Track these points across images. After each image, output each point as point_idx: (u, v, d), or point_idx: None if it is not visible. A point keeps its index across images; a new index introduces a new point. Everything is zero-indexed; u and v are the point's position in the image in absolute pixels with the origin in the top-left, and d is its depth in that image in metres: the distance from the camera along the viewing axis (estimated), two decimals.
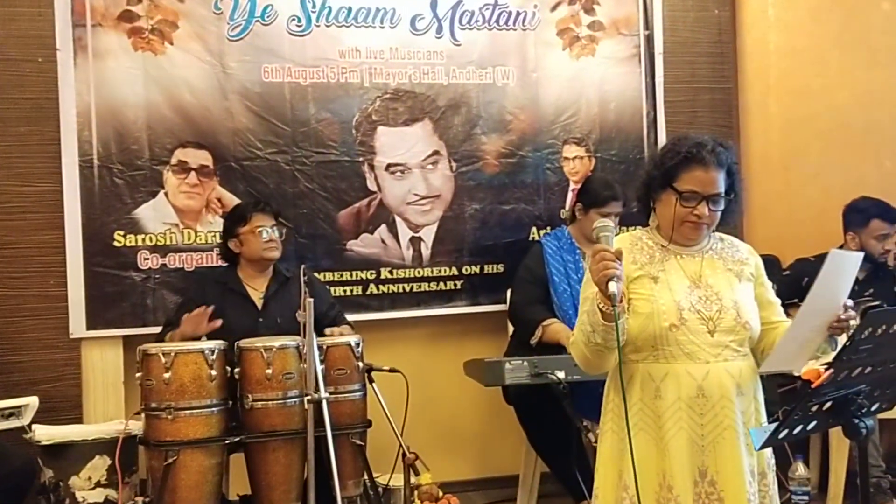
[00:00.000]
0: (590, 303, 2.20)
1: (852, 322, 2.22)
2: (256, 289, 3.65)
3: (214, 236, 3.94)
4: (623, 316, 2.22)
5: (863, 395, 2.10)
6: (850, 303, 2.22)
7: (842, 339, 2.37)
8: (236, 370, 3.29)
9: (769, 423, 2.36)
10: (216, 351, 3.24)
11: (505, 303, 4.16)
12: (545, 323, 3.72)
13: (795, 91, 4.75)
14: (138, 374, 3.24)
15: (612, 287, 2.10)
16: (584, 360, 2.30)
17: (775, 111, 4.82)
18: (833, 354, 2.17)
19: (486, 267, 4.35)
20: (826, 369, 2.04)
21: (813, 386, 2.05)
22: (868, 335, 2.01)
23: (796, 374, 3.55)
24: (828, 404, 2.08)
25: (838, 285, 2.21)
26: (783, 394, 3.69)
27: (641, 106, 4.59)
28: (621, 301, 2.14)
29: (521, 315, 3.87)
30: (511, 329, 4.07)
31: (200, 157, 3.97)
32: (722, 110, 4.78)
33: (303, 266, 3.29)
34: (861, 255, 2.34)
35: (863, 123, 4.50)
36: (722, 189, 2.34)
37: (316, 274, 3.97)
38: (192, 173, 3.96)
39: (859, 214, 4.11)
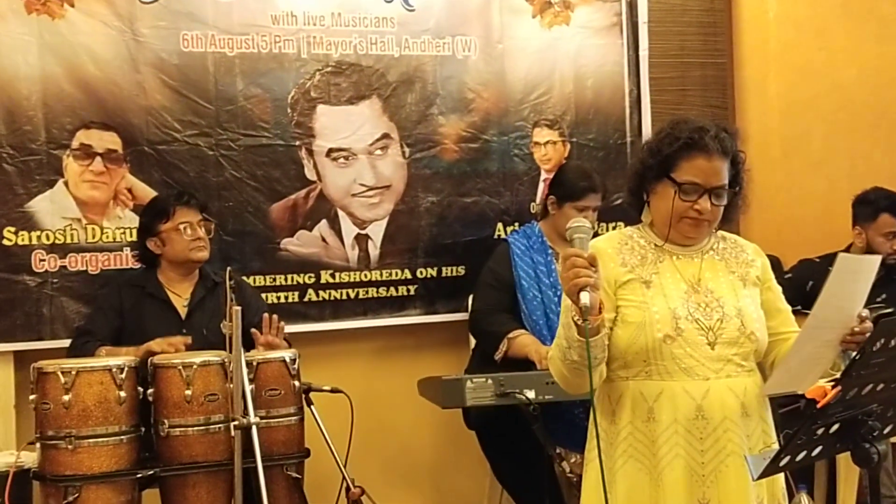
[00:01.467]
0: (565, 315, 2.20)
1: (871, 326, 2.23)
2: (180, 295, 3.62)
3: (124, 233, 3.89)
4: (603, 330, 2.22)
5: (874, 417, 2.11)
6: (865, 313, 2.23)
7: None
8: (150, 391, 3.24)
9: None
10: (126, 368, 3.18)
11: (466, 311, 4.15)
12: (511, 335, 3.72)
13: (797, 67, 4.81)
14: (32, 397, 3.17)
15: (585, 298, 2.09)
16: (563, 379, 2.30)
17: (775, 91, 4.87)
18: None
19: (444, 269, 4.33)
20: (833, 386, 2.05)
21: (818, 406, 2.06)
22: (881, 347, 2.02)
23: (801, 392, 3.61)
24: (835, 427, 2.09)
25: (852, 293, 2.23)
26: (785, 415, 3.71)
27: (623, 83, 4.61)
28: (600, 313, 2.14)
29: (483, 326, 3.87)
30: (473, 342, 4.06)
31: (107, 141, 3.90)
32: (715, 88, 4.82)
33: (228, 269, 3.26)
34: (878, 258, 2.35)
35: (872, 104, 4.57)
36: (726, 181, 2.35)
37: (244, 278, 3.94)
38: (98, 159, 3.90)
39: (868, 207, 4.16)
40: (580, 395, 2.35)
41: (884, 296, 3.98)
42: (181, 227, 3.58)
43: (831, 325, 2.22)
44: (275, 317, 3.54)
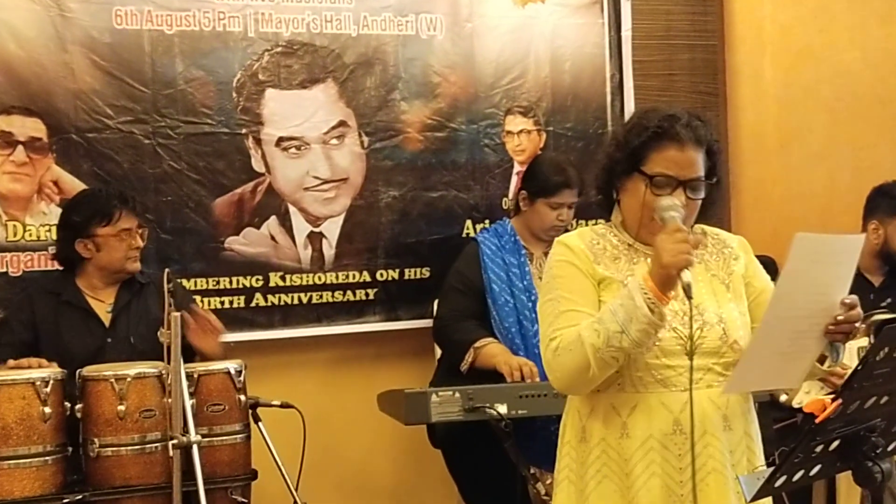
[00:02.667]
0: (631, 296, 2.23)
1: (859, 325, 2.26)
2: (102, 301, 3.60)
3: (49, 231, 3.86)
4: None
5: (878, 432, 2.13)
6: (851, 299, 2.25)
7: (849, 348, 2.40)
8: (78, 407, 3.23)
9: (766, 466, 2.41)
10: (51, 382, 3.17)
11: (431, 317, 4.15)
12: (478, 344, 3.74)
13: (795, 50, 4.86)
14: None
15: (688, 276, 2.18)
16: (577, 373, 2.29)
17: (770, 76, 4.92)
18: (839, 370, 2.22)
19: (407, 271, 4.35)
20: (832, 399, 2.08)
21: (817, 420, 2.09)
22: (885, 356, 2.03)
23: (796, 404, 3.66)
24: (835, 443, 2.11)
25: (829, 277, 2.24)
26: (780, 430, 3.77)
27: (604, 67, 4.64)
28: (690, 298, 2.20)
29: (448, 334, 3.89)
30: (439, 352, 4.08)
31: (30, 128, 3.88)
32: (705, 73, 4.86)
33: (166, 270, 3.24)
34: (860, 238, 2.37)
35: (878, 91, 4.61)
36: (702, 172, 2.38)
37: (184, 281, 3.94)
38: (20, 148, 3.88)
39: (892, 200, 4.17)
40: (551, 410, 2.37)
41: (889, 300, 4.03)
42: (123, 233, 3.56)
43: (806, 313, 2.22)
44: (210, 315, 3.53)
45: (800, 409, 3.61)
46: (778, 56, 4.90)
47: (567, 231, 3.80)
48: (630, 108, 4.61)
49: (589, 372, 2.27)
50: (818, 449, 2.09)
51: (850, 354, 2.90)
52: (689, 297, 2.19)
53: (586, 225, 4.36)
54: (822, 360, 2.33)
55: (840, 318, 2.23)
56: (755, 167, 4.84)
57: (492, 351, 3.72)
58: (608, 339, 2.24)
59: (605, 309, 2.29)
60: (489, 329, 3.82)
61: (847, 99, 4.68)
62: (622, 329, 2.23)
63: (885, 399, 2.11)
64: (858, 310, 2.25)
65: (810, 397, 3.55)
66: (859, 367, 2.08)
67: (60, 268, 3.67)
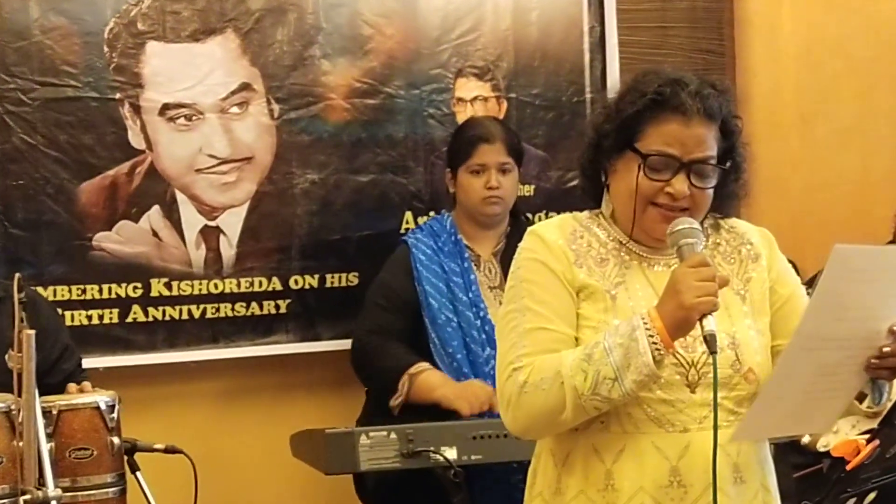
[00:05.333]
0: (631, 331, 2.23)
1: None
2: None
3: None
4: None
5: None
6: None
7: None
8: None
9: None
10: None
11: None
12: (413, 370, 3.75)
13: None
14: None
15: (711, 324, 2.19)
16: (546, 417, 2.31)
17: (790, 29, 4.97)
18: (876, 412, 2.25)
19: (328, 277, 4.36)
20: (867, 441, 2.11)
21: (848, 467, 2.11)
22: None
23: (821, 448, 3.70)
24: (871, 495, 2.14)
25: (872, 299, 2.25)
26: (802, 480, 3.80)
27: (581, 17, 4.67)
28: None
29: (370, 359, 3.91)
30: None
31: None
32: (708, 26, 4.90)
33: (17, 276, 3.20)
34: None
35: None
36: (713, 152, 2.39)
37: (39, 289, 3.91)
38: None
39: None
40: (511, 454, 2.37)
41: None
42: None
43: (843, 343, 2.25)
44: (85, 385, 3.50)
45: (826, 454, 3.64)
46: (799, 4, 4.95)
47: (504, 206, 3.85)
48: (614, 69, 4.65)
49: (561, 416, 2.29)
50: (851, 502, 2.12)
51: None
52: (713, 352, 2.20)
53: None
54: (860, 398, 2.35)
55: (887, 349, 2.25)
56: (770, 146, 4.86)
57: (430, 381, 3.73)
58: (596, 384, 2.25)
59: (596, 343, 2.29)
60: (424, 355, 3.83)
61: (885, 59, 4.74)
62: (616, 376, 2.24)
63: None
64: None
65: (839, 438, 3.59)
66: None
67: None
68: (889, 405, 2.79)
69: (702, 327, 2.21)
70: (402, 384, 3.74)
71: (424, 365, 3.77)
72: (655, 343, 2.23)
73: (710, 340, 2.20)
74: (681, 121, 2.35)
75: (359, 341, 3.98)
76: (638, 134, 2.37)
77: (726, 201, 2.47)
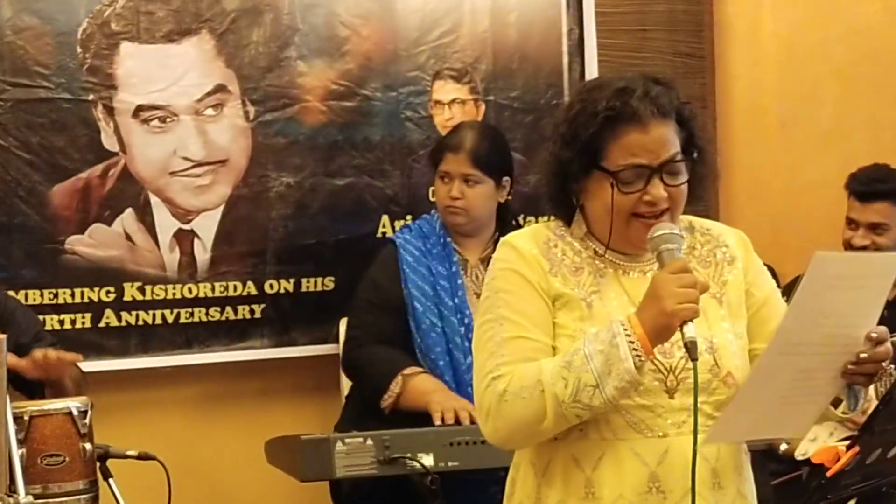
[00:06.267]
0: (611, 337, 2.23)
1: (887, 365, 2.28)
2: None
3: None
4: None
5: None
6: (879, 332, 2.27)
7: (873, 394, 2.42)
8: None
9: None
10: None
11: (336, 341, 4.17)
12: (407, 371, 3.74)
13: (801, 1, 4.91)
14: None
15: (692, 330, 2.20)
16: (526, 426, 2.30)
17: (771, 32, 4.97)
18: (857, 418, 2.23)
19: (304, 282, 4.35)
20: (847, 447, 2.11)
21: (828, 474, 2.11)
22: None
23: (799, 456, 3.70)
24: (851, 502, 2.14)
25: (852, 305, 2.26)
26: (780, 487, 3.81)
27: (560, 20, 4.66)
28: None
29: (363, 361, 3.88)
30: (348, 386, 4.07)
31: None
32: (688, 29, 4.90)
33: None
34: (895, 256, 2.41)
35: None
36: (678, 147, 2.39)
37: (10, 292, 3.89)
38: None
39: None
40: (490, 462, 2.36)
41: None
42: None
43: (820, 348, 2.25)
44: (51, 353, 3.48)
45: (805, 461, 3.64)
46: (780, 8, 4.95)
47: (467, 218, 3.85)
48: (593, 71, 4.64)
49: (541, 425, 2.28)
50: None
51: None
52: (694, 359, 2.20)
53: (536, 222, 4.41)
54: (835, 403, 2.35)
55: (864, 355, 2.25)
56: (750, 150, 4.88)
57: (423, 385, 3.71)
58: (577, 392, 2.24)
59: (576, 350, 2.28)
60: (415, 358, 3.82)
61: (865, 63, 4.75)
62: (597, 383, 2.23)
63: None
64: (888, 346, 2.27)
65: (818, 445, 3.59)
66: (880, 407, 2.11)
67: None
68: (870, 408, 2.80)
69: (682, 334, 2.21)
70: (396, 384, 3.72)
71: (416, 368, 3.76)
72: (636, 349, 2.22)
73: (690, 348, 2.20)
74: (639, 129, 2.35)
75: (350, 342, 3.96)
76: (601, 153, 2.36)
77: (698, 184, 2.45)
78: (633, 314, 2.25)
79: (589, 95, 2.41)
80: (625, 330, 2.23)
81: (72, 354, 3.55)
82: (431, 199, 4.39)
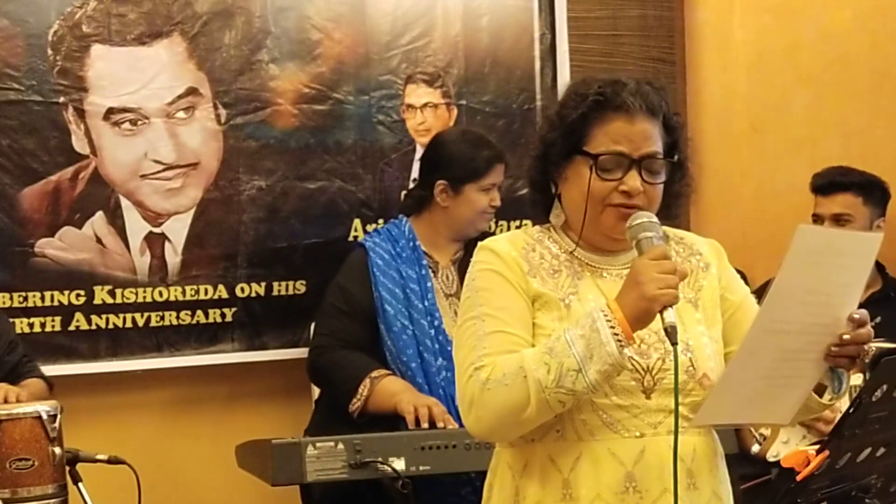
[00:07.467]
0: (591, 322, 2.25)
1: (871, 346, 2.29)
2: None
3: None
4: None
5: (873, 493, 2.21)
6: (861, 314, 2.27)
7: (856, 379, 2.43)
8: None
9: None
10: None
11: (307, 345, 4.14)
12: (374, 374, 3.75)
13: (771, 7, 4.94)
14: None
15: (672, 315, 2.22)
16: (510, 414, 2.30)
17: (741, 39, 4.99)
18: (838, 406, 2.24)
19: (275, 286, 4.35)
20: (817, 451, 2.12)
21: (798, 478, 2.12)
22: (882, 396, 2.09)
23: (771, 458, 3.72)
24: None
25: (835, 284, 2.26)
26: (750, 491, 3.82)
27: (532, 24, 4.68)
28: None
29: (329, 366, 3.89)
30: (317, 391, 4.07)
31: None
32: (659, 36, 4.92)
33: None
34: (878, 236, 2.40)
35: (872, 60, 4.70)
36: (660, 147, 2.42)
37: None
38: None
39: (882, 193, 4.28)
40: (461, 465, 2.35)
41: (878, 319, 4.09)
42: None
43: (804, 329, 2.25)
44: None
45: (776, 464, 3.66)
46: (750, 14, 4.98)
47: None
48: (565, 76, 4.66)
49: (524, 413, 2.28)
50: None
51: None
52: (674, 343, 2.22)
53: (509, 225, 4.43)
54: (820, 391, 2.36)
55: (846, 337, 2.26)
56: (720, 155, 4.89)
57: (391, 387, 3.71)
58: (560, 377, 2.25)
59: (557, 337, 2.30)
60: (384, 363, 3.82)
61: (835, 69, 4.77)
62: (580, 367, 2.24)
63: (881, 451, 2.15)
64: (868, 328, 2.28)
65: (789, 448, 3.61)
66: (851, 410, 2.12)
67: None
68: (841, 404, 2.81)
69: (662, 319, 2.22)
70: (363, 387, 3.72)
71: (383, 371, 3.76)
72: (617, 334, 2.24)
73: (670, 332, 2.22)
74: (625, 118, 2.39)
75: (317, 348, 3.95)
76: (585, 137, 2.40)
77: (674, 200, 2.49)
78: (614, 300, 2.27)
79: (582, 82, 2.46)
80: (605, 315, 2.25)
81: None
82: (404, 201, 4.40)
